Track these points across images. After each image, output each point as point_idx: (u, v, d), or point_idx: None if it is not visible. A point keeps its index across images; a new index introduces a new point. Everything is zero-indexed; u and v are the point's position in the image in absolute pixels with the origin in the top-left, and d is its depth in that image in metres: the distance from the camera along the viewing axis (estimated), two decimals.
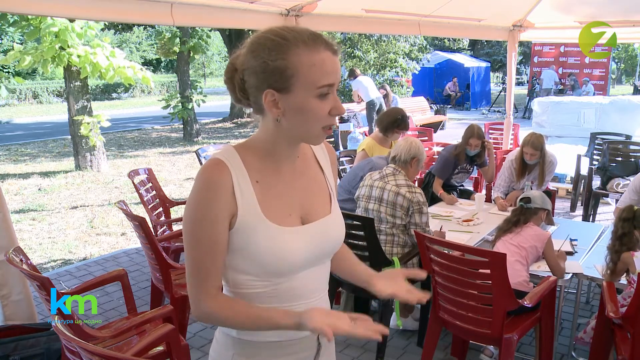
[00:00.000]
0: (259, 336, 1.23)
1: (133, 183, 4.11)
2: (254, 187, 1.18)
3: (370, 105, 9.49)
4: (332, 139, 7.57)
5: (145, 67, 8.82)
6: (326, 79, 1.11)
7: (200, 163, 5.19)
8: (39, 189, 7.50)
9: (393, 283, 1.32)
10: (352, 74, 10.10)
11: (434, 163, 4.71)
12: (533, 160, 4.06)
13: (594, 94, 16.17)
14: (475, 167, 4.65)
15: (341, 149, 8.29)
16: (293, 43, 1.10)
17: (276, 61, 1.10)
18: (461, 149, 4.39)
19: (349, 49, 14.87)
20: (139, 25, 19.02)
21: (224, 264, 1.19)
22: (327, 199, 1.32)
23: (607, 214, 5.93)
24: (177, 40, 11.88)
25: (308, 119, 1.14)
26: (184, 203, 3.26)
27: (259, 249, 1.17)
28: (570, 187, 6.56)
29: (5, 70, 21.76)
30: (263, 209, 1.18)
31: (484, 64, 21.35)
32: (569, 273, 2.85)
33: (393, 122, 4.26)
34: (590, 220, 5.44)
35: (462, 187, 4.68)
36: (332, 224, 1.29)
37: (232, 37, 14.42)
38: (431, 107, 14.50)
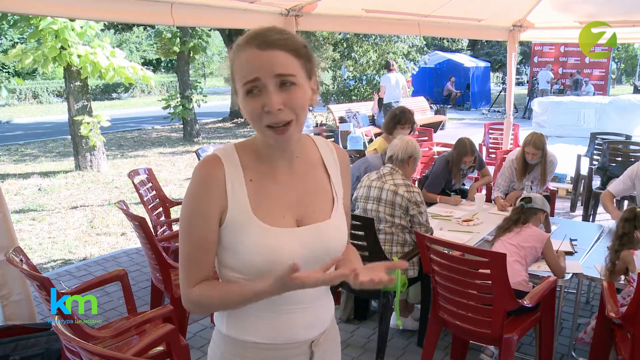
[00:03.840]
0: (246, 336, 1.23)
1: (133, 183, 4.11)
2: (247, 185, 1.19)
3: (387, 107, 9.47)
4: (332, 139, 7.57)
5: (145, 67, 8.82)
6: (249, 75, 1.10)
7: None
8: (39, 189, 7.50)
9: (372, 273, 1.16)
10: (387, 67, 10.12)
11: (432, 164, 4.70)
12: (534, 160, 4.06)
13: (594, 94, 16.18)
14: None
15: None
16: (236, 46, 1.15)
17: (231, 64, 1.17)
18: (455, 167, 4.28)
19: (346, 50, 14.88)
20: (139, 25, 19.02)
21: (214, 258, 1.21)
22: (328, 204, 1.28)
23: (607, 214, 5.92)
24: (177, 40, 11.88)
25: (248, 117, 1.15)
26: None
27: (247, 247, 1.17)
28: (570, 187, 6.56)
29: (5, 70, 21.78)
30: (254, 208, 1.18)
31: (483, 64, 21.35)
32: (569, 273, 2.86)
33: (393, 119, 4.27)
34: (590, 220, 5.44)
35: (462, 187, 4.68)
36: (330, 230, 1.25)
37: (232, 37, 14.43)
38: (431, 107, 14.50)
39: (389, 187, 3.16)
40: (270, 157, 1.22)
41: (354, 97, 14.37)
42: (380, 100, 10.30)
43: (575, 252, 3.17)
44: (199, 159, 5.31)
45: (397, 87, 9.80)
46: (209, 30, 13.16)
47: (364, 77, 14.79)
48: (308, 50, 1.17)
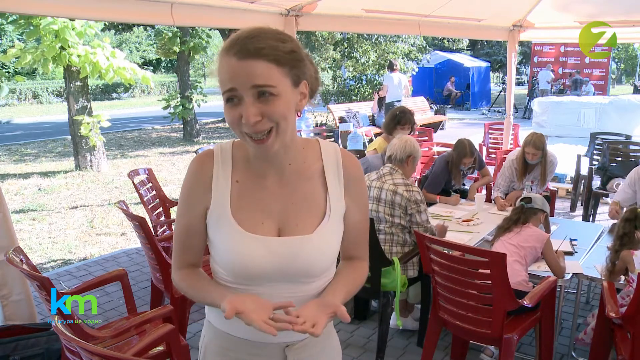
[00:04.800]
0: (223, 326, 1.26)
1: (133, 183, 4.11)
2: (232, 185, 1.19)
3: (389, 107, 9.51)
4: (332, 139, 7.57)
5: (145, 67, 8.83)
6: (226, 85, 1.07)
7: None
8: (39, 189, 7.50)
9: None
10: (390, 67, 10.29)
11: (432, 165, 4.70)
12: (535, 160, 4.07)
13: (594, 94, 16.18)
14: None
15: None
16: (219, 50, 1.11)
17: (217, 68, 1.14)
18: (454, 168, 4.29)
19: (347, 49, 14.87)
20: (139, 25, 19.01)
21: (201, 246, 1.26)
22: (316, 218, 1.21)
23: (607, 214, 5.92)
24: (177, 40, 11.87)
25: (228, 124, 1.12)
26: None
27: (220, 246, 1.20)
28: (570, 187, 6.56)
29: (5, 69, 21.77)
30: (234, 209, 1.18)
31: (484, 64, 21.35)
32: (569, 273, 2.86)
33: (393, 119, 4.26)
34: (590, 220, 5.44)
35: (462, 187, 4.68)
36: (309, 246, 1.19)
37: None
38: (431, 107, 14.50)
39: (389, 187, 3.16)
40: (259, 162, 1.20)
41: (354, 97, 14.37)
42: (380, 99, 10.32)
43: (575, 252, 3.17)
44: None
45: (399, 86, 9.87)
46: (209, 30, 13.14)
47: (364, 77, 14.79)
48: (296, 54, 1.10)
